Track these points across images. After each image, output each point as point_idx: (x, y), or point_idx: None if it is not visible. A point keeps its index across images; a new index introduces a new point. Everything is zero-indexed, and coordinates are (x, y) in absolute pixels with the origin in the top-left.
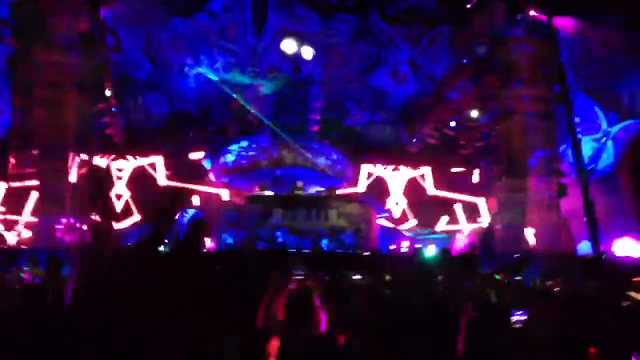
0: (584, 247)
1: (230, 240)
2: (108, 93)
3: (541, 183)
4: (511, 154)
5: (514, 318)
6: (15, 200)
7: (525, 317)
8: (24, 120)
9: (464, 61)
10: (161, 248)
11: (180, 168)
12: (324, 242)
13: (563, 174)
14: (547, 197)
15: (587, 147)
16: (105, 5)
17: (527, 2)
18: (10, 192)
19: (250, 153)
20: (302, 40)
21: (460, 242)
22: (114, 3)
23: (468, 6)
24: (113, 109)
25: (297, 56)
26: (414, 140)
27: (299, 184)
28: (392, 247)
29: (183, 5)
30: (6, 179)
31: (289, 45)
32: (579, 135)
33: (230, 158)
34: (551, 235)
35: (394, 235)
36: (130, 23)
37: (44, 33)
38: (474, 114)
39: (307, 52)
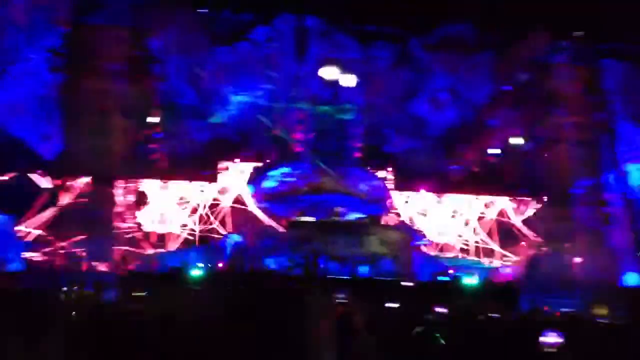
0: (631, 278)
1: (273, 266)
2: (153, 120)
3: (586, 212)
4: (556, 183)
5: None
6: (64, 224)
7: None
8: (73, 146)
9: (506, 88)
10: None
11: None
12: (363, 268)
13: (608, 203)
14: (592, 226)
15: (635, 175)
16: (152, 35)
17: (571, 28)
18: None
19: (291, 179)
20: (342, 67)
21: (505, 272)
22: (161, 33)
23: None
24: (158, 135)
25: (337, 83)
26: (456, 167)
27: (338, 209)
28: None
29: (226, 35)
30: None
31: (329, 73)
32: (627, 163)
33: (271, 184)
34: (597, 265)
35: (434, 263)
36: (175, 52)
37: (93, 62)
38: (517, 141)
39: (348, 79)
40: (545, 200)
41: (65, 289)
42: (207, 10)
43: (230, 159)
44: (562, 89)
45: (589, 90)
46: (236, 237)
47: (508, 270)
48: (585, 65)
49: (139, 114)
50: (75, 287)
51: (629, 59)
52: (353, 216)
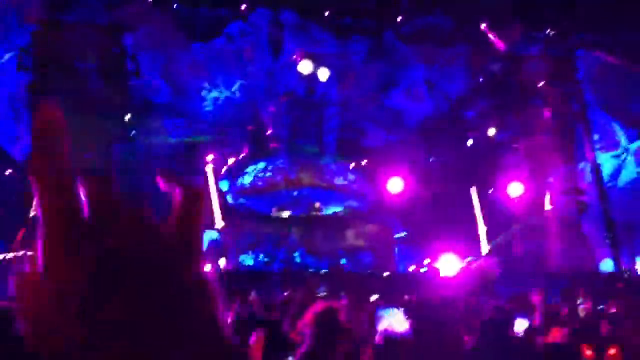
0: (606, 265)
1: (250, 262)
2: (127, 118)
3: (561, 201)
4: (531, 173)
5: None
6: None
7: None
8: None
9: (481, 80)
10: None
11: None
12: (342, 261)
13: (583, 192)
14: (567, 215)
15: (607, 164)
16: (125, 32)
17: (544, 20)
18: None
19: (268, 174)
20: (318, 61)
21: (483, 262)
22: (135, 29)
23: (483, 25)
24: (133, 133)
25: (313, 77)
26: (432, 159)
27: (317, 204)
28: (412, 267)
29: (201, 30)
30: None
31: (305, 67)
32: (599, 152)
33: (247, 179)
34: (572, 253)
35: (414, 254)
36: (149, 48)
37: (65, 60)
38: (492, 132)
39: (323, 73)
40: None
41: None
42: (182, 7)
43: (206, 155)
44: (536, 80)
45: (563, 80)
46: (213, 234)
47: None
48: (559, 56)
49: (113, 113)
50: None
51: (602, 49)
52: (331, 210)
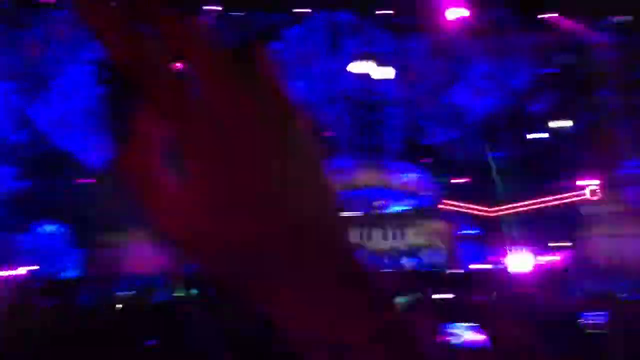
0: None
1: None
2: None
3: (636, 194)
4: (603, 166)
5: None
6: None
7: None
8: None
9: (546, 71)
10: None
11: None
12: (403, 261)
13: None
14: None
15: None
16: None
17: (609, 7)
18: None
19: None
20: (376, 61)
21: (558, 258)
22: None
23: (542, 16)
24: None
25: (372, 77)
26: (498, 154)
27: (378, 203)
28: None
29: (259, 35)
30: None
31: (363, 67)
32: None
33: None
34: None
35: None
36: None
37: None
38: (561, 125)
39: (383, 73)
40: (595, 184)
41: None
42: (234, 12)
43: None
44: (605, 69)
45: (633, 69)
46: None
47: (559, 257)
48: (628, 44)
49: None
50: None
51: None
52: (394, 209)
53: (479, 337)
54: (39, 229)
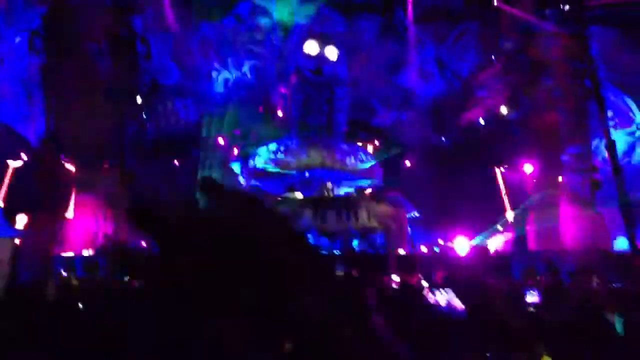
0: (620, 243)
1: None
2: (138, 99)
3: (575, 179)
4: (544, 151)
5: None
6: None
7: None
8: (57, 128)
9: (492, 58)
10: None
11: None
12: (355, 242)
13: (597, 169)
14: (581, 193)
15: (621, 141)
16: (135, 13)
17: None
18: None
19: (279, 156)
20: (327, 41)
21: (497, 241)
22: (144, 10)
23: (495, 2)
24: (143, 115)
25: (322, 57)
26: (443, 138)
27: (329, 185)
28: (423, 247)
29: (211, 11)
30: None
31: (313, 47)
32: (612, 129)
33: (259, 161)
34: (586, 232)
35: (426, 234)
36: (158, 29)
37: (75, 42)
38: (504, 111)
39: (332, 53)
40: (534, 168)
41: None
42: None
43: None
44: (549, 57)
45: (576, 57)
46: None
47: (503, 239)
48: (572, 32)
49: (123, 94)
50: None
51: (615, 26)
52: (343, 191)
53: (459, 303)
54: None
